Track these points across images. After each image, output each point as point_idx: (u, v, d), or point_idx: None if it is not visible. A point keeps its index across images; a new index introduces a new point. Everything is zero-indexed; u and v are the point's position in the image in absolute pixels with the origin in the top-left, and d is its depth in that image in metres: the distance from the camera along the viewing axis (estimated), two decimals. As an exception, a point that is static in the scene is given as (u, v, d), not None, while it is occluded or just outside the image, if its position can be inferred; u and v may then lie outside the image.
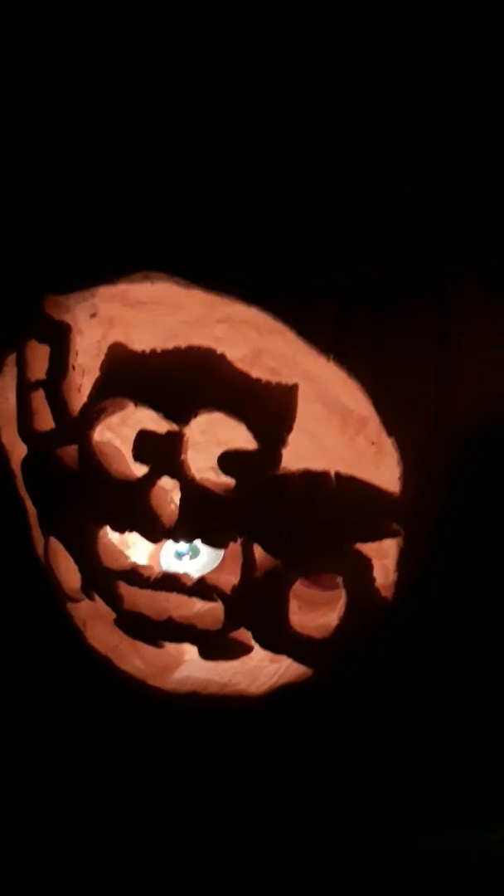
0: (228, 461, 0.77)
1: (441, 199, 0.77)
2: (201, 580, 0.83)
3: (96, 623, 0.92)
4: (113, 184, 0.78)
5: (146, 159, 0.78)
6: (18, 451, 0.87)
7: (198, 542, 0.90)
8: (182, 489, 0.79)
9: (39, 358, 0.81)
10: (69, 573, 0.89)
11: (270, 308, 0.73)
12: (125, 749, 0.92)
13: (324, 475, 0.78)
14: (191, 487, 0.79)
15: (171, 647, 0.90)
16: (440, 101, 0.78)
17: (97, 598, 0.89)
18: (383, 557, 0.82)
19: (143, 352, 0.79)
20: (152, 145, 0.78)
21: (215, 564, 0.88)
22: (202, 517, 0.79)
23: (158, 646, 0.88)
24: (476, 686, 0.87)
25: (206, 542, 0.81)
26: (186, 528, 0.80)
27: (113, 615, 0.89)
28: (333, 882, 0.82)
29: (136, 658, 0.92)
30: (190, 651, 0.91)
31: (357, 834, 0.85)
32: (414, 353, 0.75)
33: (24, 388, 0.81)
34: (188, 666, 0.92)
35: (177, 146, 0.78)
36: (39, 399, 0.82)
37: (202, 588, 0.83)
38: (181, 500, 0.79)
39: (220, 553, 0.89)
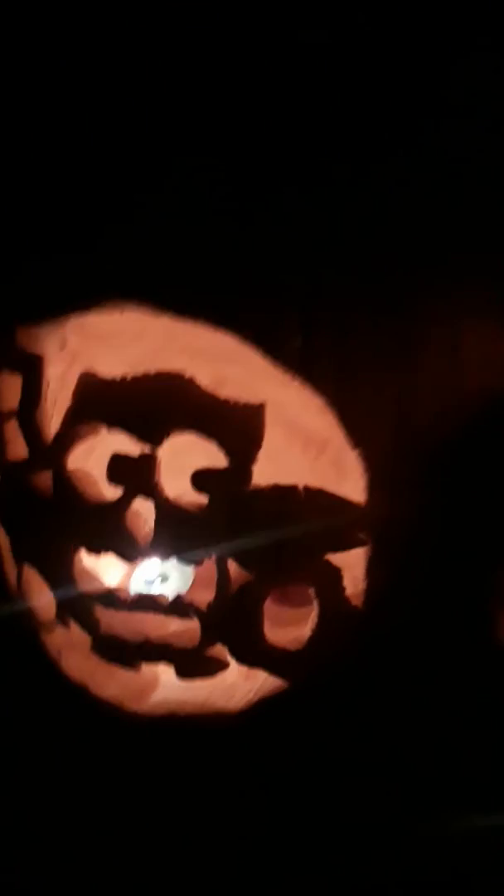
0: (201, 479, 0.80)
1: (401, 219, 0.81)
2: (177, 599, 0.85)
3: (71, 652, 0.93)
4: (81, 211, 0.81)
5: (116, 186, 0.81)
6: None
7: (167, 567, 0.92)
8: (157, 508, 0.82)
9: (12, 388, 0.84)
10: (43, 602, 0.91)
11: (239, 331, 0.76)
12: (106, 775, 0.92)
13: (292, 489, 0.81)
14: (166, 506, 0.81)
15: (146, 670, 0.92)
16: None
17: (72, 625, 0.90)
18: (352, 568, 0.85)
19: (113, 379, 0.82)
20: (122, 173, 0.82)
21: (186, 588, 0.90)
22: (177, 534, 0.82)
23: (135, 668, 0.89)
24: (452, 686, 0.90)
25: (182, 559, 0.83)
26: (163, 545, 0.82)
27: (88, 642, 0.90)
28: (326, 885, 0.84)
29: (112, 684, 0.93)
30: (165, 673, 0.92)
31: (348, 836, 0.87)
32: (375, 369, 0.79)
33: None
34: (164, 689, 0.93)
35: (144, 176, 0.81)
36: (12, 429, 0.84)
37: (178, 606, 0.85)
38: (156, 518, 0.82)
39: (190, 577, 0.91)
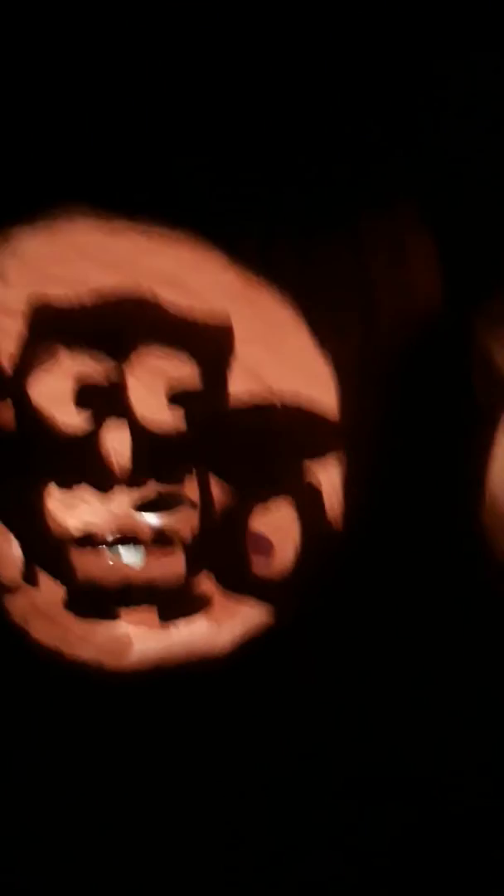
0: (179, 398, 0.77)
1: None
2: (160, 531, 0.81)
3: (38, 616, 0.87)
4: (35, 121, 0.78)
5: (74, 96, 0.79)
6: None
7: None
8: (132, 431, 0.78)
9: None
10: (5, 561, 0.85)
11: (201, 229, 0.74)
12: (94, 738, 0.86)
13: (270, 404, 0.78)
14: (140, 428, 0.78)
15: (117, 628, 0.87)
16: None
17: (41, 586, 0.84)
18: (328, 496, 0.83)
19: (69, 301, 0.78)
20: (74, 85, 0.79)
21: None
22: (155, 456, 0.78)
23: (114, 618, 0.84)
24: (436, 606, 0.88)
25: (162, 479, 0.79)
26: (140, 469, 0.78)
27: (59, 602, 0.85)
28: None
29: (86, 646, 0.87)
30: (137, 629, 0.87)
31: (343, 773, 0.83)
32: (336, 284, 0.78)
33: None
34: (140, 644, 0.88)
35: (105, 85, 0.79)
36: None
37: (162, 538, 0.81)
38: (132, 441, 0.77)
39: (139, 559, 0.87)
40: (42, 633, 0.86)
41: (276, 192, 0.76)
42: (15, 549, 0.84)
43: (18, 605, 0.86)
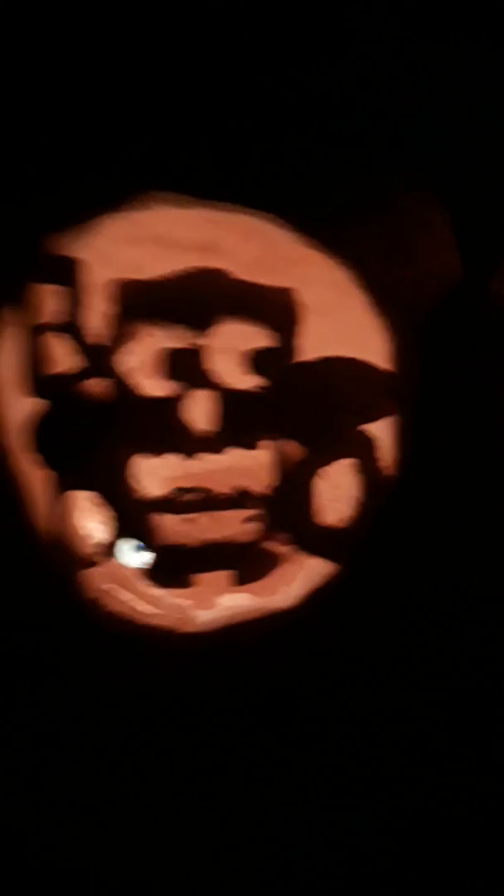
0: (258, 359, 0.83)
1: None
2: (239, 492, 0.86)
3: (113, 586, 0.90)
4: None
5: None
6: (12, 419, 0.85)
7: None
8: (216, 398, 0.83)
9: (45, 300, 0.82)
10: (83, 536, 0.88)
11: (275, 211, 0.81)
12: (166, 702, 0.89)
13: (337, 360, 0.86)
14: (224, 395, 0.83)
15: (181, 598, 0.91)
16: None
17: (113, 560, 0.88)
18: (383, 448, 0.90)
19: (151, 279, 0.83)
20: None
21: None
22: (236, 420, 0.84)
23: (189, 585, 0.88)
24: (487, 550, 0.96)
25: (242, 443, 0.84)
26: (223, 433, 0.83)
27: (132, 572, 0.88)
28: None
29: (155, 615, 0.91)
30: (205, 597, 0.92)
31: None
32: (387, 253, 0.87)
33: (37, 333, 0.81)
34: (210, 610, 0.92)
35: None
36: (49, 343, 0.83)
37: (241, 497, 0.86)
38: (217, 408, 0.83)
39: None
40: (116, 602, 0.89)
41: (337, 178, 0.84)
42: (93, 525, 0.87)
43: (94, 579, 0.89)
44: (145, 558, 0.90)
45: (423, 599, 0.95)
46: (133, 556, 0.90)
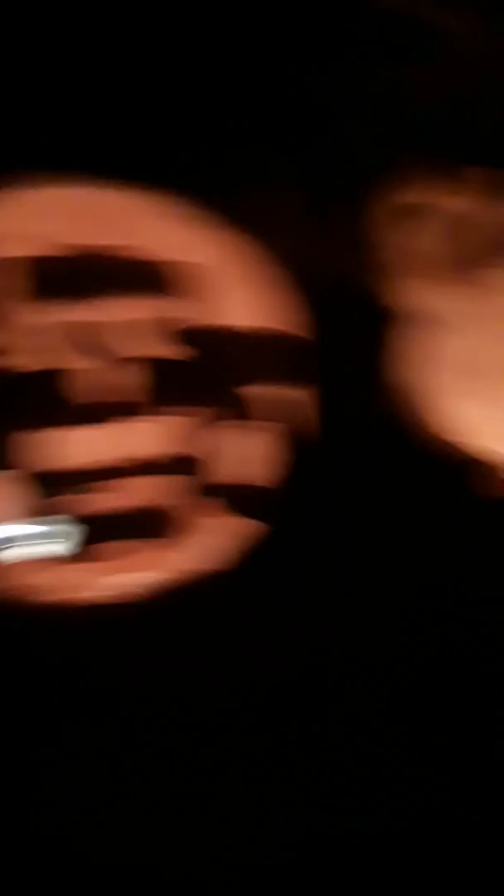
0: (181, 335, 0.85)
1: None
2: (174, 458, 0.88)
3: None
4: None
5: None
6: None
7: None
8: (146, 367, 0.85)
9: None
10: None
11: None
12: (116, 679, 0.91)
13: (256, 329, 0.88)
14: (153, 364, 0.85)
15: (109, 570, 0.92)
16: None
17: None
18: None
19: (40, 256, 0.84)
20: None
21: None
22: (166, 389, 0.85)
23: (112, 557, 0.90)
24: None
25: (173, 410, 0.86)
26: (154, 401, 0.85)
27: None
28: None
29: (89, 589, 0.92)
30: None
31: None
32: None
33: None
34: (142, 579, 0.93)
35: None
36: None
37: (176, 465, 0.88)
38: (147, 376, 0.84)
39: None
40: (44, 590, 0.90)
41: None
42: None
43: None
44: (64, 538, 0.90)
45: (351, 560, 0.98)
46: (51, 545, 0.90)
